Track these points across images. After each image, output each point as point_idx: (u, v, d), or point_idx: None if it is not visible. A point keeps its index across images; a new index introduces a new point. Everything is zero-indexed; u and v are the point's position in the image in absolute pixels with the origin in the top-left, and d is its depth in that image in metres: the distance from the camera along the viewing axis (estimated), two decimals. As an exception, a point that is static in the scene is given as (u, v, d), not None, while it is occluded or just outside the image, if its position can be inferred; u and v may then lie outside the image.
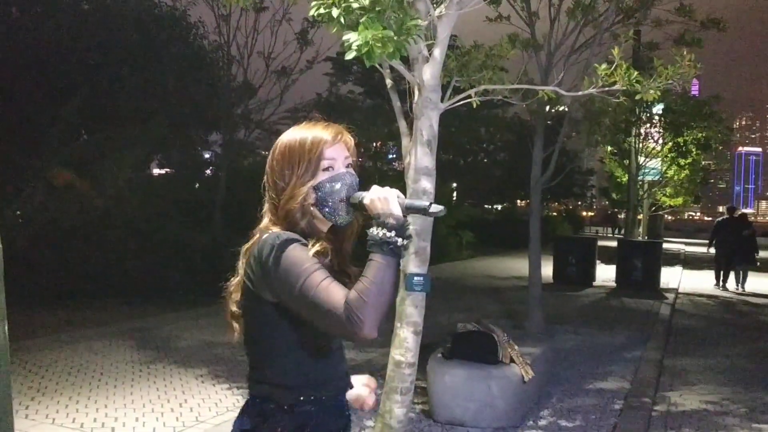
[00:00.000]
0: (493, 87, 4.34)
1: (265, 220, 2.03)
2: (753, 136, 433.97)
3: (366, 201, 1.89)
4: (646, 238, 22.30)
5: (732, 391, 7.57)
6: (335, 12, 3.05)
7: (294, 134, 2.03)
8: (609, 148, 21.95)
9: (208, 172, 20.22)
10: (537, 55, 8.66)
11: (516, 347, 6.11)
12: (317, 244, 1.92)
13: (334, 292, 1.74)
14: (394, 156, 40.34)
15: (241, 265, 2.02)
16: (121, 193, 11.94)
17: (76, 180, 11.07)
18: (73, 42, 12.61)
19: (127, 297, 11.09)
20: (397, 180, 29.22)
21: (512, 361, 6.00)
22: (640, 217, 22.80)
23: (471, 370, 5.85)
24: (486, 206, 42.94)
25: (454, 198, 34.09)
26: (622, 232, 26.17)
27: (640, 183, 20.98)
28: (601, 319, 11.95)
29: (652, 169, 20.97)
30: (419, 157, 4.04)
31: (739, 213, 18.21)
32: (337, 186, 1.96)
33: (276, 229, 1.95)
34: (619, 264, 16.79)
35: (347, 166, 2.02)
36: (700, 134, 19.04)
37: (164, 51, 14.14)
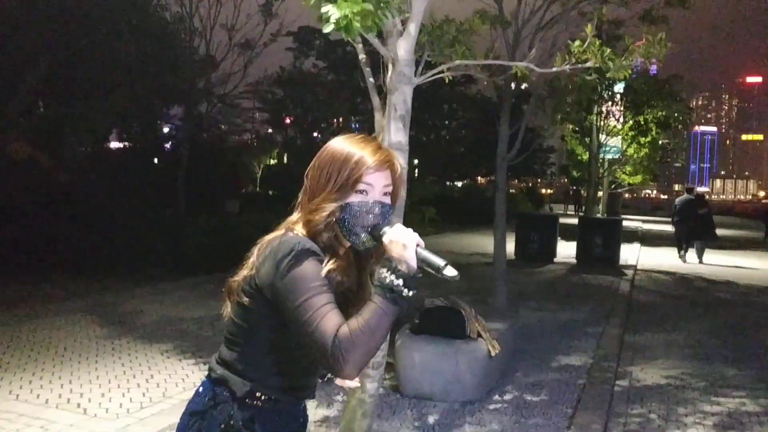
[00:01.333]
0: (467, 62, 4.32)
1: (294, 216, 1.98)
2: (709, 115, 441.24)
3: (385, 240, 1.81)
4: (605, 215, 22.63)
5: (691, 365, 7.73)
6: (312, -16, 3.01)
7: (343, 145, 1.95)
8: (571, 126, 22.13)
9: (167, 146, 19.97)
10: (504, 32, 8.67)
11: (483, 322, 6.17)
12: (332, 262, 1.86)
13: (329, 322, 1.70)
14: (356, 130, 40.27)
15: (255, 252, 1.96)
16: (82, 167, 11.75)
17: (36, 154, 10.86)
18: (30, 12, 12.30)
19: (87, 272, 10.94)
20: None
21: (479, 336, 6.05)
22: (600, 194, 23.09)
23: (439, 346, 5.90)
24: (448, 183, 43.09)
25: (416, 175, 34.18)
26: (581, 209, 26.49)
27: (601, 161, 21.22)
28: (563, 295, 12.12)
29: (613, 147, 21.23)
30: (393, 132, 4.02)
31: (697, 192, 19.19)
32: (364, 212, 1.88)
33: (300, 231, 1.90)
34: (580, 241, 17.03)
35: (384, 194, 1.93)
36: (660, 113, 19.30)
37: (124, 22, 13.86)
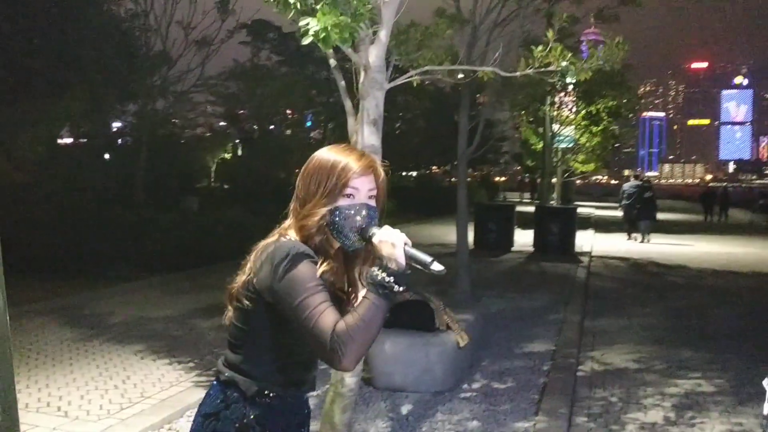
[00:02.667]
0: (436, 68, 4.48)
1: (287, 223, 2.12)
2: (657, 101, 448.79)
3: (375, 240, 1.95)
4: (560, 203, 23.09)
5: (649, 349, 8.04)
6: (291, -2, 3.13)
7: (329, 155, 2.09)
8: (525, 116, 22.49)
9: (123, 142, 19.80)
10: (462, 29, 8.86)
11: (452, 314, 6.36)
12: (325, 264, 2.01)
13: (326, 319, 1.83)
14: (311, 124, 40.22)
15: (251, 258, 2.08)
16: (39, 167, 11.64)
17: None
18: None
19: (48, 274, 10.87)
20: (316, 148, 29.31)
21: (448, 327, 6.24)
22: (554, 182, 23.52)
23: (410, 338, 6.08)
24: (403, 174, 43.29)
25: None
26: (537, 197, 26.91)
27: (555, 150, 21.62)
28: (522, 283, 12.41)
29: (566, 136, 21.64)
30: (366, 136, 4.17)
31: (642, 178, 22.53)
32: (352, 214, 2.02)
33: (294, 236, 2.04)
34: (537, 229, 17.37)
35: (370, 197, 2.08)
36: (611, 102, 19.73)
37: (78, 19, 13.70)
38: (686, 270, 15.00)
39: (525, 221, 20.70)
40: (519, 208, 22.63)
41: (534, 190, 46.00)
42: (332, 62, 4.49)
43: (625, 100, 19.81)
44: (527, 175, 46.92)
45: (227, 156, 41.58)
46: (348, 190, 2.03)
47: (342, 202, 2.03)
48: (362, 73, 4.16)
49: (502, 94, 10.95)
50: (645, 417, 5.73)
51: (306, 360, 2.13)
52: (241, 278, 2.09)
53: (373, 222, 2.03)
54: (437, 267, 1.90)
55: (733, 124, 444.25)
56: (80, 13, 13.97)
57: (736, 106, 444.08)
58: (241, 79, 29.88)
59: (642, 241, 20.73)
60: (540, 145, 22.15)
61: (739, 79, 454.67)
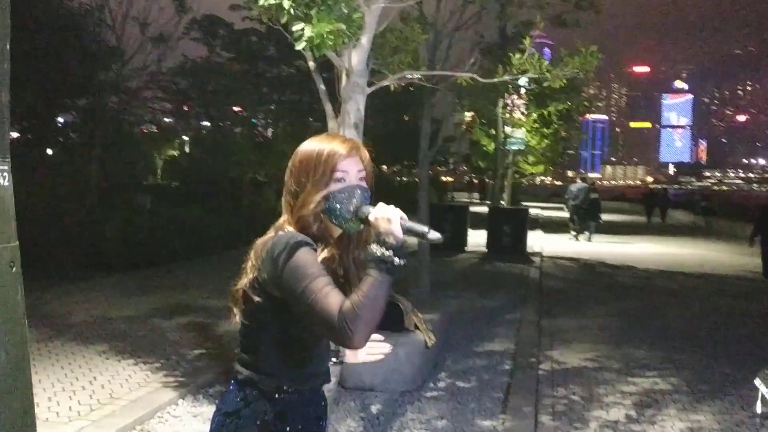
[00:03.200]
0: (416, 73, 4.56)
1: (282, 219, 2.16)
2: (600, 104, 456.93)
3: (371, 218, 1.99)
4: (509, 204, 23.45)
5: (605, 348, 8.24)
6: (286, 3, 3.16)
7: (313, 145, 2.14)
8: (474, 116, 22.75)
9: (69, 135, 19.42)
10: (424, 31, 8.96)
11: (419, 315, 6.44)
12: (326, 250, 2.08)
13: (332, 300, 1.86)
14: (264, 122, 39.89)
15: (252, 257, 2.12)
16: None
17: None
18: None
19: None
20: (268, 146, 28.75)
21: (416, 327, 6.33)
22: (505, 184, 23.84)
23: (379, 339, 6.13)
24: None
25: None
26: (489, 197, 27.23)
27: (507, 152, 21.93)
28: (478, 283, 12.58)
29: (518, 138, 21.98)
30: (347, 139, 4.21)
31: (588, 180, 23.42)
32: (347, 196, 2.07)
33: (290, 229, 2.09)
34: (490, 230, 17.61)
35: (360, 179, 2.13)
36: (561, 106, 20.10)
37: (28, 12, 13.41)
38: (635, 270, 15.37)
39: (475, 222, 20.95)
40: (471, 209, 22.93)
41: (482, 190, 46.51)
42: (311, 65, 4.53)
43: (576, 106, 20.18)
44: (473, 175, 47.39)
45: (175, 153, 41.08)
46: (338, 174, 2.08)
47: (334, 186, 2.08)
48: (344, 78, 4.21)
49: (461, 98, 11.09)
50: (607, 415, 5.89)
51: (320, 351, 2.18)
52: (244, 279, 2.13)
53: (366, 202, 2.09)
54: (434, 235, 1.96)
55: (674, 127, 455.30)
56: (31, 5, 13.68)
57: (676, 115, 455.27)
58: (191, 76, 29.54)
59: (588, 240, 21.71)
60: (492, 147, 22.43)
61: (679, 84, 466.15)
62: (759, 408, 2.82)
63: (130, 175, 18.57)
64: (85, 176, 14.17)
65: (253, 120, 38.28)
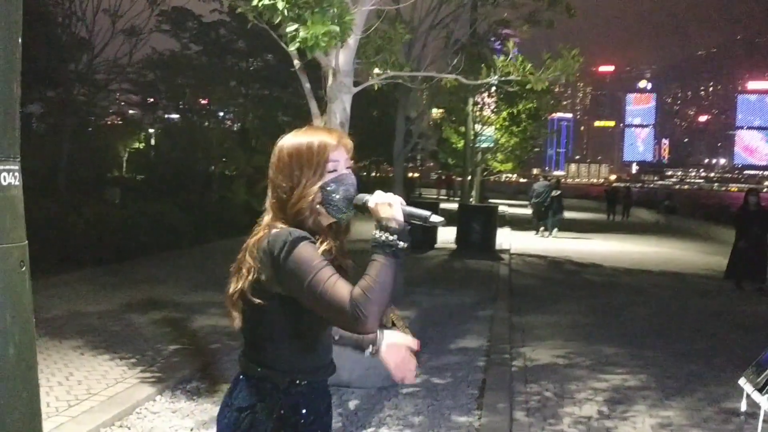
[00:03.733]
0: (400, 74, 4.61)
1: (268, 217, 2.17)
2: (565, 102, 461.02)
3: (371, 204, 2.05)
4: (477, 201, 23.65)
5: (575, 345, 8.38)
6: (280, 4, 3.19)
7: (300, 138, 2.17)
8: (443, 114, 22.88)
9: (33, 126, 19.15)
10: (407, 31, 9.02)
11: (397, 312, 6.49)
12: (324, 243, 2.11)
13: (340, 289, 1.92)
14: (230, 115, 39.68)
15: (244, 258, 2.15)
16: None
17: None
18: None
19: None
20: (236, 139, 28.56)
21: (394, 324, 6.38)
22: (475, 181, 24.03)
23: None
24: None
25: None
26: (457, 194, 27.40)
27: (476, 149, 22.08)
28: (449, 280, 12.68)
29: (488, 136, 22.14)
30: (333, 138, 4.25)
31: (551, 178, 24.44)
32: (341, 186, 2.13)
33: (282, 225, 2.11)
34: (459, 227, 17.73)
35: (348, 168, 2.18)
36: (530, 105, 20.30)
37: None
38: (602, 268, 15.60)
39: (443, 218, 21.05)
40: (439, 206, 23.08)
41: (450, 187, 46.69)
42: (296, 63, 4.55)
43: (545, 105, 20.40)
44: (440, 171, 47.58)
45: (140, 146, 40.68)
46: (330, 165, 2.13)
47: (328, 177, 2.13)
48: (330, 77, 4.24)
49: (434, 96, 11.17)
50: (580, 411, 6.01)
51: (327, 343, 2.25)
52: (240, 282, 2.14)
53: (357, 190, 2.15)
54: (436, 218, 2.04)
55: (637, 126, 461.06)
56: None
57: (640, 119, 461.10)
58: (160, 68, 29.28)
59: (550, 236, 22.52)
60: (461, 144, 22.57)
61: (643, 83, 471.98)
62: (743, 406, 2.91)
63: (98, 168, 18.34)
64: (53, 168, 14.00)
65: (220, 113, 38.09)
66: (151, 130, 40.49)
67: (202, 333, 7.83)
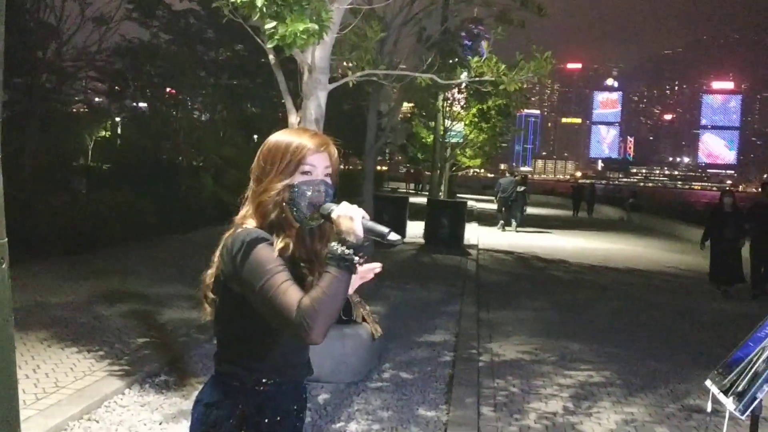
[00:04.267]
0: (376, 72, 4.63)
1: (243, 211, 2.20)
2: (533, 99, 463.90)
3: (333, 215, 2.05)
4: (445, 196, 23.79)
5: (541, 341, 8.48)
6: (259, 2, 3.20)
7: (283, 136, 2.19)
8: (413, 108, 22.96)
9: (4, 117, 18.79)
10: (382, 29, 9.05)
11: (367, 307, 6.54)
12: (282, 240, 2.10)
13: (290, 296, 1.93)
14: (197, 106, 39.27)
15: (218, 251, 2.17)
16: None
17: None
18: None
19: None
20: (205, 129, 28.28)
21: (363, 319, 6.43)
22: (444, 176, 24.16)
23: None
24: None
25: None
26: (425, 188, 27.49)
27: (445, 144, 22.18)
28: (417, 275, 12.74)
29: (458, 132, 22.25)
30: (308, 134, 4.26)
31: (516, 173, 25.48)
32: (311, 190, 2.12)
33: (250, 222, 2.13)
34: (428, 222, 17.81)
35: (326, 175, 2.18)
36: (500, 101, 20.43)
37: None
38: (568, 265, 15.78)
39: (411, 212, 21.13)
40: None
41: (418, 181, 46.81)
42: (272, 58, 4.56)
43: (514, 102, 20.54)
44: (409, 165, 47.65)
45: (107, 134, 40.13)
46: (305, 167, 2.13)
47: (300, 179, 2.13)
48: (306, 73, 4.25)
49: (407, 92, 11.20)
50: (546, 407, 6.10)
51: (296, 343, 2.17)
52: (210, 280, 2.19)
53: (330, 199, 2.14)
54: (394, 237, 2.03)
55: (603, 124, 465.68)
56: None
57: (606, 124, 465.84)
58: (128, 57, 28.89)
59: (514, 230, 22.92)
60: (431, 139, 22.66)
61: (610, 81, 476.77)
62: (709, 407, 2.98)
63: (64, 157, 18.10)
64: (18, 156, 13.80)
65: (188, 103, 37.67)
66: (117, 119, 39.98)
67: (171, 326, 7.79)
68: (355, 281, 2.35)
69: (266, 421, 2.17)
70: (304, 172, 2.14)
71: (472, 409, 5.83)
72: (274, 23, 3.20)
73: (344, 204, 2.07)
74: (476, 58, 4.59)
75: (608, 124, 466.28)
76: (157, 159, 22.53)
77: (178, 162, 23.48)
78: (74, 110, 37.09)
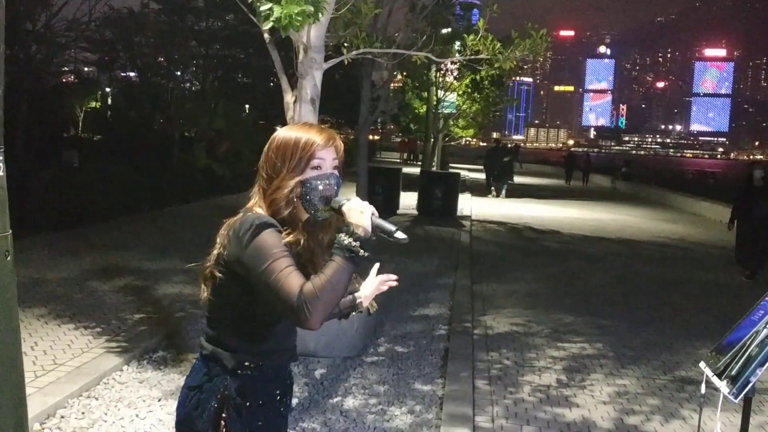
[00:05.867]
0: (371, 50, 4.62)
1: (252, 201, 2.24)
2: (525, 67, 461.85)
3: (344, 208, 2.10)
4: (437, 167, 23.80)
5: (534, 314, 8.56)
6: (254, -17, 3.19)
7: (291, 133, 2.23)
8: (406, 78, 22.82)
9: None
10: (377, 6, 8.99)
11: (362, 281, 6.57)
12: (291, 235, 2.16)
13: (292, 281, 1.97)
14: (188, 77, 39.03)
15: (221, 234, 2.21)
16: None
17: None
18: None
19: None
20: (195, 100, 28.15)
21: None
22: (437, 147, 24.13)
23: (323, 306, 6.26)
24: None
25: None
26: (418, 158, 27.46)
27: (439, 115, 22.12)
28: (411, 247, 12.74)
29: (451, 102, 22.18)
30: (303, 114, 4.28)
31: (503, 143, 26.80)
32: (322, 184, 2.17)
33: (259, 211, 2.17)
34: (421, 193, 17.83)
35: (334, 168, 2.23)
36: (492, 71, 20.33)
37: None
38: (560, 236, 15.85)
39: (404, 183, 21.15)
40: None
41: (411, 151, 46.74)
42: (266, 37, 4.54)
43: (508, 71, 20.44)
44: (402, 135, 47.52)
45: (97, 105, 39.88)
46: (315, 162, 2.18)
47: (310, 173, 2.17)
48: (301, 53, 4.24)
49: (401, 65, 11.17)
50: (539, 380, 6.18)
51: (283, 329, 2.26)
52: (212, 261, 2.21)
53: (338, 191, 2.21)
54: (401, 236, 2.09)
55: (596, 92, 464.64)
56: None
57: (599, 75, 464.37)
58: (118, 27, 28.65)
59: (502, 198, 23.93)
60: (423, 109, 22.60)
61: (602, 49, 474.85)
62: (703, 389, 3.04)
63: (55, 129, 18.00)
64: (9, 130, 13.70)
65: (178, 73, 37.42)
66: (107, 89, 39.71)
67: (167, 301, 7.83)
68: (371, 292, 2.56)
69: (248, 404, 2.20)
70: (314, 167, 2.18)
71: (467, 382, 5.90)
72: (269, 5, 3.19)
73: (355, 198, 2.12)
74: (471, 36, 4.59)
75: (601, 92, 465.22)
76: (149, 130, 22.43)
77: (169, 133, 23.36)
78: (64, 80, 36.83)
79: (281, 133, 2.25)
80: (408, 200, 18.91)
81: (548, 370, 6.46)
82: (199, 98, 30.80)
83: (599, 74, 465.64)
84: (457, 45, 19.67)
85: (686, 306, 9.47)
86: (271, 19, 3.20)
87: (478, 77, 20.33)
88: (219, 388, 2.19)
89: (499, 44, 4.56)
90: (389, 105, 40.83)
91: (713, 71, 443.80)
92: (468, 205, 20.81)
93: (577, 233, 16.32)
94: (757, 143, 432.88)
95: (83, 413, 4.80)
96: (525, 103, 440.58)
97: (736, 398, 2.74)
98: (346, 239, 2.01)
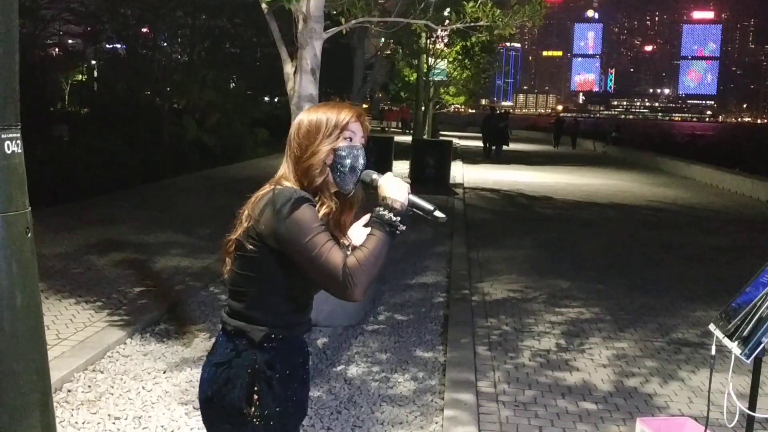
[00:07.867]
0: (370, 20, 4.60)
1: (280, 172, 2.24)
2: (513, 32, 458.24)
3: (380, 182, 2.14)
4: (428, 135, 23.77)
5: (531, 279, 8.62)
6: (255, -45, 3.16)
7: (321, 111, 2.24)
8: (396, 45, 22.70)
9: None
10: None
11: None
12: (324, 207, 2.17)
13: (335, 255, 2.00)
14: (175, 48, 38.64)
15: (249, 207, 2.19)
16: None
17: None
18: None
19: None
20: (185, 71, 27.92)
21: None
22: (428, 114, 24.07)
23: (324, 276, 6.29)
24: (275, 100, 42.63)
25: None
26: (409, 126, 27.45)
27: (429, 83, 22.03)
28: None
29: (442, 70, 22.07)
30: (304, 85, 4.26)
31: (497, 110, 27.37)
32: (352, 156, 2.18)
33: (289, 184, 2.17)
34: (413, 161, 17.81)
35: (362, 144, 2.25)
36: (483, 38, 20.22)
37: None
38: (553, 202, 15.91)
39: (396, 151, 21.13)
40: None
41: (403, 119, 46.66)
42: (264, 7, 4.50)
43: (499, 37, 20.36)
44: (389, 103, 47.40)
45: (83, 78, 39.53)
46: (347, 133, 2.19)
47: (342, 143, 2.18)
48: (301, 23, 4.21)
49: (394, 33, 11.07)
50: (539, 345, 6.25)
51: (306, 301, 2.29)
52: (239, 229, 2.20)
53: (366, 166, 2.22)
54: (440, 214, 2.13)
55: (584, 56, 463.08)
56: None
57: (586, 39, 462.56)
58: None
59: (496, 161, 25.12)
60: (414, 77, 22.49)
61: (590, 13, 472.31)
62: (713, 351, 3.09)
63: (44, 103, 17.84)
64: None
65: (164, 44, 37.05)
66: (93, 62, 39.33)
67: (166, 274, 7.85)
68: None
69: (277, 376, 2.22)
70: (346, 138, 2.20)
71: (468, 349, 5.96)
72: (271, -24, 3.17)
73: (389, 174, 2.16)
74: (471, 4, 4.57)
75: (589, 56, 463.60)
76: (137, 103, 22.26)
77: (158, 105, 23.20)
78: (50, 53, 36.42)
79: (311, 112, 2.27)
80: (400, 169, 18.89)
81: (547, 334, 6.53)
82: (187, 70, 30.55)
83: (587, 38, 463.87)
84: (446, 12, 19.60)
85: (681, 269, 9.56)
86: (273, -8, 3.18)
87: (468, 43, 20.23)
88: (248, 362, 2.19)
89: (498, 12, 4.56)
90: (380, 74, 40.79)
91: (699, 29, 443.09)
92: (460, 172, 20.83)
93: (570, 198, 16.38)
94: (745, 105, 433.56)
95: (89, 387, 4.84)
96: (514, 69, 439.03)
97: (747, 359, 2.79)
98: (386, 213, 2.05)
